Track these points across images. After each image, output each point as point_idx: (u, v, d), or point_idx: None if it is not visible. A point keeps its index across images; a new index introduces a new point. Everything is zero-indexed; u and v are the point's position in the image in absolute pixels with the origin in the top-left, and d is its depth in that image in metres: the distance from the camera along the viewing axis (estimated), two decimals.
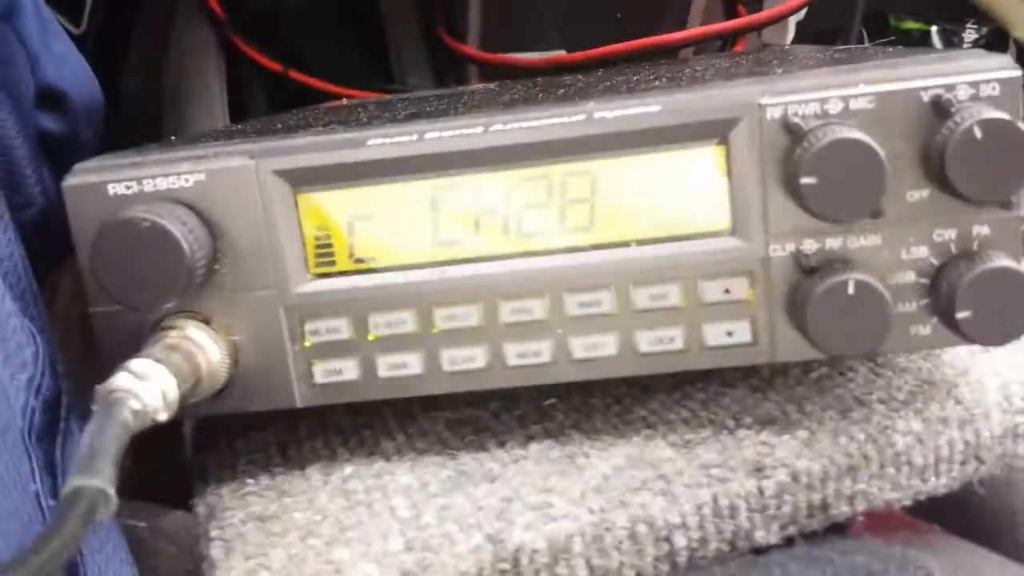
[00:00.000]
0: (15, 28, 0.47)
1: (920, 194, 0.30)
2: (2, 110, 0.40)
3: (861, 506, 0.33)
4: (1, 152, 0.39)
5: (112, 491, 0.24)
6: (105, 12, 0.68)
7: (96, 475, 0.24)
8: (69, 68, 0.49)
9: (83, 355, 0.35)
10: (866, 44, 0.88)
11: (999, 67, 0.29)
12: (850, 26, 0.73)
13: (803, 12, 0.66)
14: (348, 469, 0.34)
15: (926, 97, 0.29)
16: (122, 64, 0.71)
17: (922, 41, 0.89)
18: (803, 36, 0.71)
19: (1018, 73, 0.29)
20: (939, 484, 0.33)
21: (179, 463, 0.40)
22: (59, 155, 0.47)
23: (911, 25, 0.90)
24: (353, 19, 0.74)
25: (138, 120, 0.67)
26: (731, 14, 0.72)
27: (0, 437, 0.27)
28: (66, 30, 0.51)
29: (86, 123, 0.50)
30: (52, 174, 0.45)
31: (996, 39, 0.89)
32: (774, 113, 0.30)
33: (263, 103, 0.71)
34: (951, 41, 0.90)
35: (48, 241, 0.37)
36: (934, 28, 0.89)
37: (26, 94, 0.45)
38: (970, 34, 0.90)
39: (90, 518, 0.23)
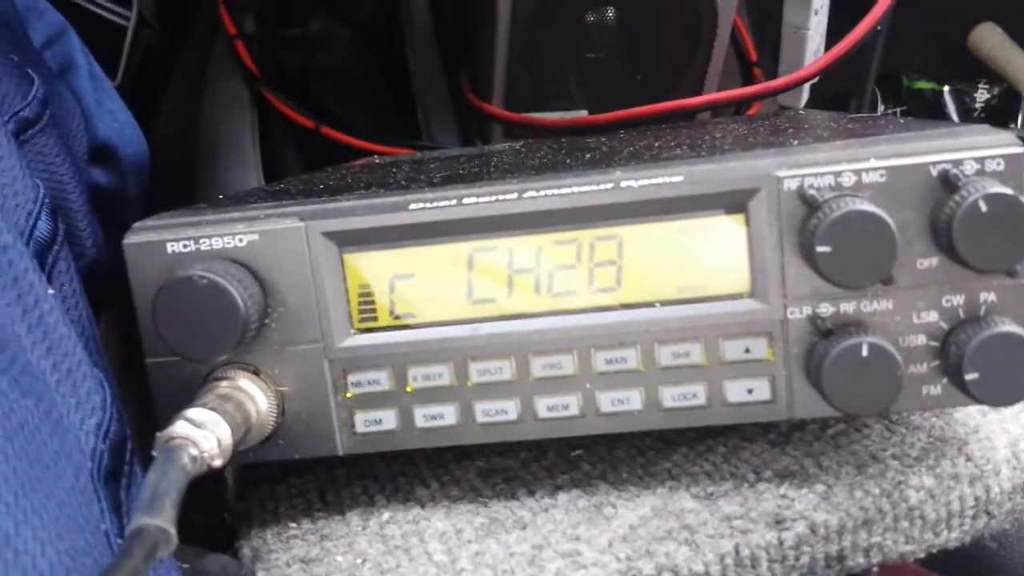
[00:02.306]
0: (70, 85, 0.50)
1: (929, 262, 0.32)
2: (61, 165, 0.43)
3: (876, 558, 0.34)
4: (61, 205, 0.41)
5: (173, 531, 0.25)
6: (140, 66, 0.71)
7: (159, 515, 0.25)
8: (119, 124, 0.52)
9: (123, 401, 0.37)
10: (880, 106, 0.90)
11: (1004, 143, 0.31)
12: (864, 89, 0.75)
13: (817, 77, 0.68)
14: (386, 515, 0.36)
15: (934, 171, 0.31)
16: (155, 118, 0.73)
17: (935, 101, 0.91)
18: (817, 96, 0.73)
19: (1022, 149, 0.31)
20: (951, 538, 0.35)
21: (219, 507, 0.41)
22: (108, 209, 0.50)
23: (924, 85, 0.92)
24: (382, 77, 0.77)
25: (171, 173, 0.69)
26: (747, 75, 0.74)
27: (73, 479, 0.28)
28: None
29: (134, 178, 0.52)
30: (102, 227, 0.47)
31: (1008, 99, 0.90)
32: (791, 185, 0.32)
33: (295, 157, 0.73)
34: (963, 101, 0.91)
35: (95, 292, 0.39)
36: (946, 88, 0.91)
37: (80, 149, 0.47)
38: (982, 94, 0.91)
39: (153, 555, 0.25)
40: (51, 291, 0.32)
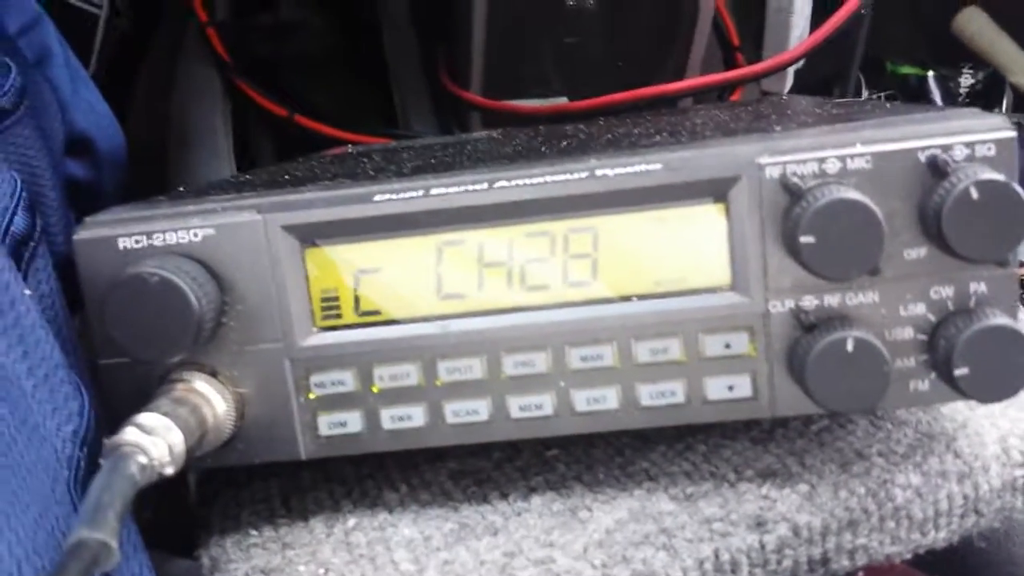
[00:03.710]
0: (46, 75, 0.48)
1: (917, 252, 0.30)
2: (37, 157, 0.41)
3: (862, 560, 0.33)
4: (36, 200, 0.39)
5: (115, 545, 0.24)
6: (113, 56, 0.69)
7: (100, 528, 0.24)
8: (96, 115, 0.50)
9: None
10: (864, 91, 0.89)
11: (995, 127, 0.30)
12: (848, 74, 0.74)
13: (801, 61, 0.67)
14: (351, 521, 0.34)
15: (923, 157, 0.30)
16: (127, 108, 0.71)
17: (919, 87, 0.90)
18: (801, 82, 0.72)
19: (1013, 133, 0.30)
20: (939, 537, 0.34)
21: (183, 511, 0.40)
22: (83, 202, 0.48)
23: (908, 71, 0.91)
24: (358, 65, 0.75)
25: (143, 164, 0.68)
26: (730, 61, 0.73)
27: (49, 490, 0.27)
28: None
29: (111, 171, 0.51)
30: (77, 223, 0.45)
31: (992, 84, 0.90)
32: (773, 172, 0.30)
33: (268, 147, 0.72)
34: (947, 86, 0.91)
35: (69, 291, 0.37)
36: (931, 74, 0.90)
37: (57, 141, 0.45)
38: (966, 79, 0.91)
39: (90, 571, 0.23)
40: (27, 291, 0.31)
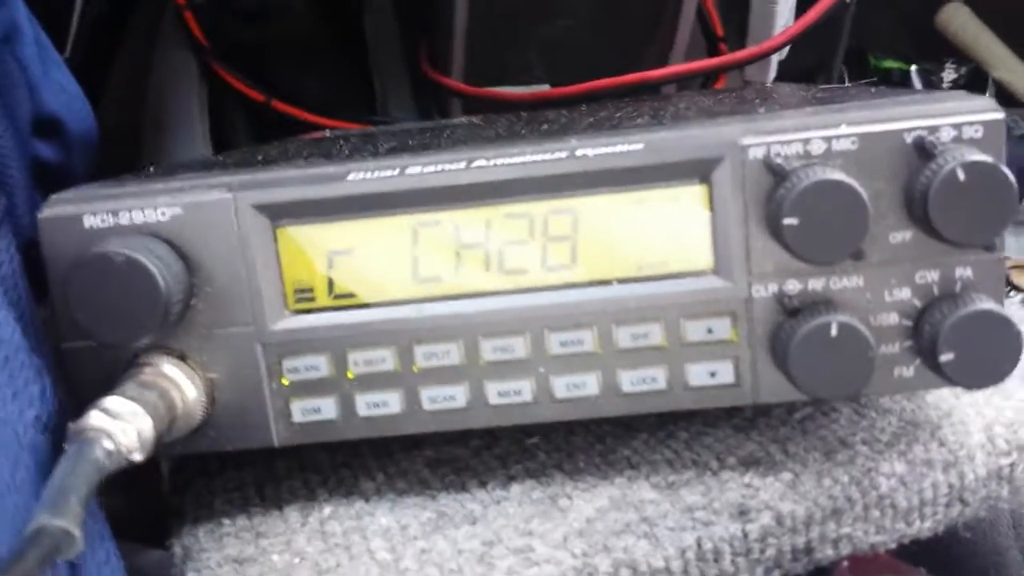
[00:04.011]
0: (15, 54, 0.47)
1: (903, 235, 0.30)
2: (3, 137, 0.40)
3: (846, 549, 0.32)
4: (2, 181, 0.38)
5: (78, 533, 0.23)
6: (89, 38, 0.68)
7: (62, 515, 0.23)
8: (67, 96, 0.49)
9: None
10: (847, 83, 0.89)
11: (982, 109, 0.29)
12: (831, 65, 0.74)
13: (785, 51, 0.66)
14: (327, 510, 0.34)
15: (909, 139, 0.29)
16: (104, 90, 0.70)
17: (902, 80, 0.90)
18: (785, 73, 0.72)
19: (1001, 115, 0.29)
20: (923, 527, 0.33)
21: (157, 500, 0.39)
22: (53, 185, 0.47)
23: (891, 64, 0.91)
24: (338, 50, 0.74)
25: (118, 147, 0.67)
26: (714, 51, 0.73)
27: (9, 477, 0.26)
28: None
29: (80, 152, 0.50)
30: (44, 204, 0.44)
31: (975, 78, 0.90)
32: (756, 153, 0.30)
33: (245, 132, 0.71)
34: (930, 80, 0.91)
35: (34, 274, 0.36)
36: (914, 67, 0.90)
37: (24, 121, 0.44)
38: (949, 73, 0.91)
39: (50, 559, 0.22)
40: None
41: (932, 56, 0.91)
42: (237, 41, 0.71)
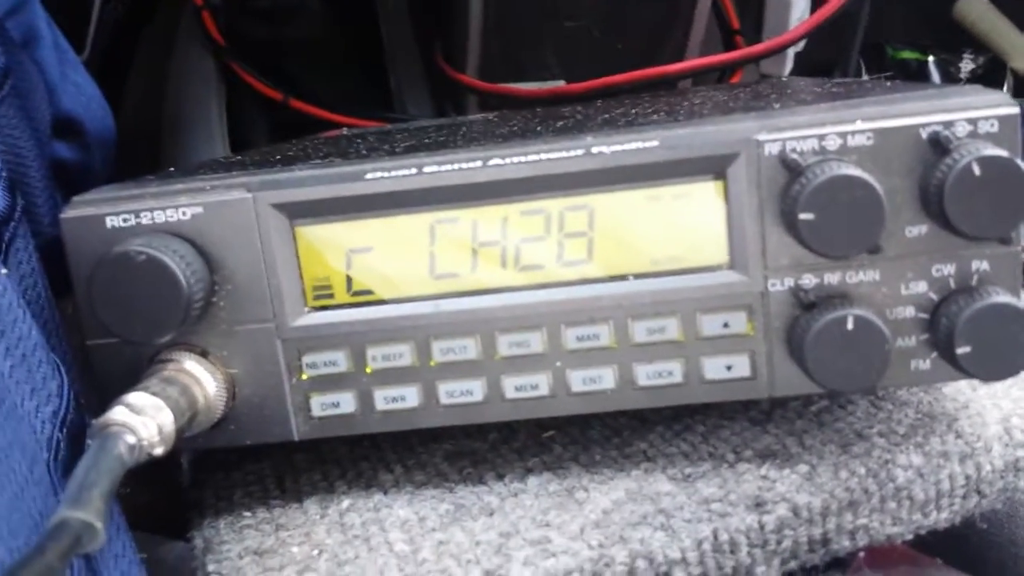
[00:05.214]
0: (34, 57, 0.48)
1: (919, 230, 0.30)
2: (21, 138, 0.41)
3: (862, 541, 0.32)
4: (20, 180, 0.39)
5: (100, 525, 0.23)
6: (108, 38, 0.68)
7: (84, 507, 0.24)
8: (85, 98, 0.50)
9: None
10: (864, 75, 0.88)
11: (998, 103, 0.29)
12: (848, 57, 0.73)
13: (801, 44, 0.66)
14: (346, 502, 0.34)
15: (924, 134, 0.29)
16: (123, 92, 0.71)
17: (919, 71, 0.90)
18: (801, 67, 0.72)
19: (1016, 110, 0.29)
20: (940, 518, 0.33)
21: (179, 493, 0.40)
22: (72, 184, 0.48)
23: (908, 55, 0.90)
24: (354, 48, 0.74)
25: (137, 147, 0.67)
26: (729, 44, 0.72)
27: (27, 471, 0.26)
28: None
29: (99, 152, 0.51)
30: (64, 204, 0.45)
31: (993, 69, 0.89)
32: (772, 149, 0.30)
33: (263, 131, 0.71)
34: (948, 71, 0.90)
35: (55, 272, 0.37)
36: (931, 58, 0.90)
37: (43, 123, 0.45)
38: (967, 64, 0.90)
39: (72, 551, 0.23)
40: (4, 271, 0.30)
41: (950, 47, 0.90)
42: (254, 41, 0.71)
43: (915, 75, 0.90)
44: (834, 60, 0.76)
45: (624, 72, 0.59)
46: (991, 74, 0.89)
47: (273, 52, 0.72)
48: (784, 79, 0.63)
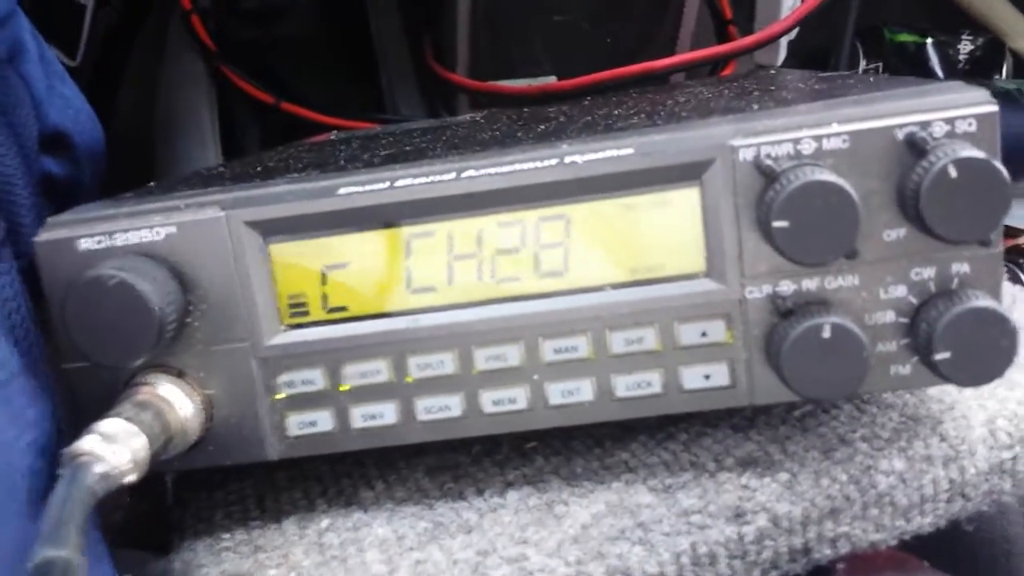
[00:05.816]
0: (19, 71, 0.47)
1: (897, 233, 0.30)
2: (7, 156, 0.40)
3: (844, 548, 0.32)
4: (5, 199, 0.39)
5: (79, 560, 0.24)
6: (101, 45, 0.68)
7: (64, 544, 0.24)
8: (73, 110, 0.49)
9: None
10: (862, 60, 0.87)
11: (976, 102, 0.29)
12: (841, 45, 0.72)
13: (794, 32, 0.65)
14: (325, 521, 0.34)
15: (901, 135, 0.29)
16: (116, 100, 0.71)
17: (917, 54, 0.89)
18: (796, 53, 0.71)
19: (995, 108, 0.29)
20: (924, 523, 0.33)
21: (165, 511, 0.40)
22: (61, 199, 0.47)
23: (906, 38, 0.89)
24: (344, 49, 0.74)
25: (131, 154, 0.67)
26: (722, 35, 0.72)
27: (4, 502, 0.26)
28: (62, 63, 0.51)
29: (89, 165, 0.50)
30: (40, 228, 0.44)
31: (992, 50, 0.88)
32: (746, 155, 0.30)
33: (256, 134, 0.71)
34: (946, 53, 0.89)
35: (40, 295, 0.37)
36: (929, 40, 0.89)
37: (30, 138, 0.45)
38: (965, 45, 0.89)
39: None
40: None
41: (948, 28, 0.89)
42: (244, 43, 0.71)
43: (913, 58, 0.89)
44: (829, 46, 0.75)
45: (616, 64, 0.59)
46: (990, 55, 0.88)
47: (264, 53, 0.71)
48: (773, 72, 0.62)
